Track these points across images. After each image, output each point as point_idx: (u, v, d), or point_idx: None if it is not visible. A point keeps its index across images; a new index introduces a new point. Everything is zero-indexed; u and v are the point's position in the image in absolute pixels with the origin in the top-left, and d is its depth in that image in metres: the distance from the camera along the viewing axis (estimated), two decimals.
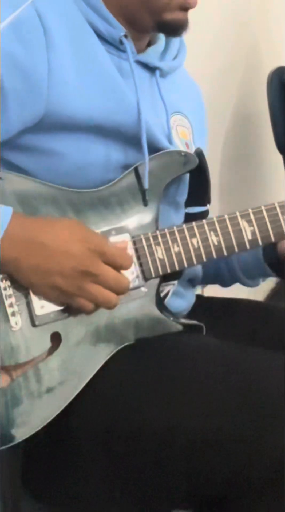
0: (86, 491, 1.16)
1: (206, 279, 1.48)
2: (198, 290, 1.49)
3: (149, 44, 1.30)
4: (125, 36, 1.20)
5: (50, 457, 1.17)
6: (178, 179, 1.24)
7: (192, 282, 1.38)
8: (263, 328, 1.38)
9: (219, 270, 1.46)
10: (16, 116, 1.12)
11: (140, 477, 1.13)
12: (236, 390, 1.10)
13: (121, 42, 1.20)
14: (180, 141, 1.30)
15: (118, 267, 1.12)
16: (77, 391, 1.13)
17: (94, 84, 1.16)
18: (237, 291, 1.58)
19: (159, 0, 1.19)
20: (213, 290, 1.65)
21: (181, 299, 1.32)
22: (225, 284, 1.49)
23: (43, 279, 1.08)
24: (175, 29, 1.24)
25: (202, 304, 1.40)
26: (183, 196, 1.29)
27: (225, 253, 1.20)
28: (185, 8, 1.21)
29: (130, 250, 1.17)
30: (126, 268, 1.13)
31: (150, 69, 1.27)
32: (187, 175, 1.27)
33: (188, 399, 1.11)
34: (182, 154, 1.24)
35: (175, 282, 1.28)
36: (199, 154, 1.27)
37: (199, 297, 1.42)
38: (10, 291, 1.10)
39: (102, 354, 1.16)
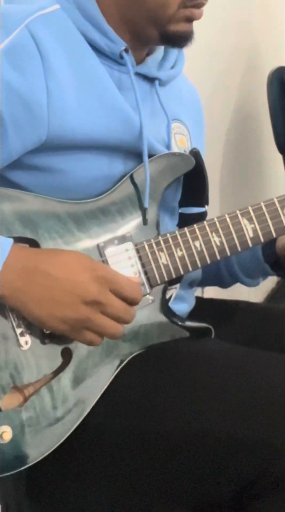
0: (94, 502, 1.16)
1: (206, 281, 1.48)
2: (198, 292, 1.49)
3: (148, 53, 1.28)
4: (126, 50, 1.19)
5: (57, 467, 1.15)
6: (174, 183, 1.24)
7: (191, 285, 1.38)
8: (264, 330, 1.38)
9: (219, 271, 1.46)
10: (16, 144, 1.10)
11: (154, 486, 1.13)
12: (250, 392, 1.11)
13: (121, 56, 1.19)
14: (178, 149, 1.30)
15: (128, 298, 1.09)
16: (92, 404, 1.13)
17: (95, 104, 1.14)
18: (237, 292, 1.58)
19: (165, 12, 1.17)
20: (212, 291, 1.65)
21: (182, 303, 1.32)
22: (225, 285, 1.49)
23: (50, 311, 1.04)
24: (179, 40, 1.21)
25: (202, 306, 1.40)
26: (177, 200, 1.29)
27: (228, 253, 1.20)
28: (190, 20, 1.20)
29: (134, 259, 1.17)
30: (136, 298, 1.10)
31: (150, 79, 1.26)
32: (181, 178, 1.26)
33: (205, 403, 1.11)
34: (178, 155, 1.24)
35: (177, 285, 1.28)
36: (196, 154, 1.26)
37: (198, 299, 1.42)
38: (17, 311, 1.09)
39: (113, 365, 1.16)
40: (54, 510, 1.19)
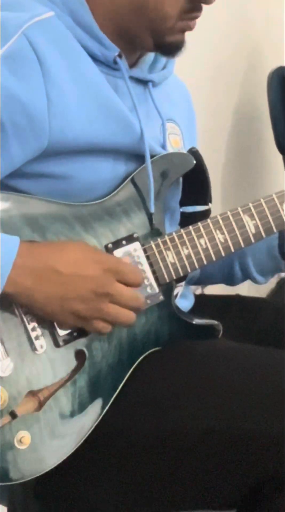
0: (104, 503, 1.16)
1: (215, 279, 1.49)
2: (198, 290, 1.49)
3: (139, 56, 1.28)
4: (119, 55, 1.19)
5: (66, 468, 1.14)
6: (174, 183, 1.25)
7: (190, 282, 1.40)
8: (256, 323, 1.41)
9: (232, 269, 1.47)
10: (18, 151, 1.10)
11: (166, 485, 1.14)
12: (266, 390, 1.12)
13: (114, 62, 1.19)
14: (172, 150, 1.30)
15: (132, 284, 1.12)
16: (108, 405, 1.14)
17: (94, 108, 1.15)
18: (236, 291, 1.58)
19: (164, 24, 1.17)
20: (212, 289, 1.65)
21: (185, 300, 1.33)
22: (234, 282, 1.50)
23: (61, 306, 1.07)
24: (174, 50, 1.22)
25: (199, 303, 1.41)
26: (178, 200, 1.30)
27: (232, 250, 1.22)
28: (185, 31, 1.20)
29: (142, 258, 1.18)
30: (139, 284, 1.13)
31: (143, 82, 1.27)
32: (180, 178, 1.27)
33: (219, 402, 1.12)
34: (177, 155, 1.25)
35: (183, 283, 1.29)
36: (195, 153, 1.28)
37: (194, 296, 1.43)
38: (31, 314, 1.10)
39: (127, 364, 1.17)
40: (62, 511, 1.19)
